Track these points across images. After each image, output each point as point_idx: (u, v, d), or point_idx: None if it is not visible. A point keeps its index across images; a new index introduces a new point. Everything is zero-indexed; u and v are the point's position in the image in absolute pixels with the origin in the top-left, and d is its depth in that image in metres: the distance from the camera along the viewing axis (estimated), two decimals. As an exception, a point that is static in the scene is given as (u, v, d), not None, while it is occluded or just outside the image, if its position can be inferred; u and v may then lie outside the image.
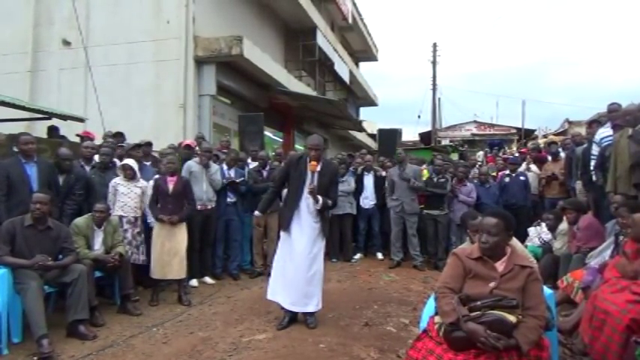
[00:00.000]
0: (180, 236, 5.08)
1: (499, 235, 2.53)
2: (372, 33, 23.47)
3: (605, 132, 5.23)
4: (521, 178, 7.52)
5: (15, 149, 4.70)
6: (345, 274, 6.53)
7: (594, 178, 5.22)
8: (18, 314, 3.76)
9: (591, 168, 5.31)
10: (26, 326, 3.75)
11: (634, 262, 3.23)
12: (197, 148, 6.62)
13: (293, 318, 4.24)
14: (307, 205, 4.15)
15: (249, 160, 6.96)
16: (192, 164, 5.83)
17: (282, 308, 4.27)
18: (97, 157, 5.53)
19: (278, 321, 4.24)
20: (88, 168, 5.44)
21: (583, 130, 8.32)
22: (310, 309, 4.19)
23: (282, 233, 4.31)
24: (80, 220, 4.61)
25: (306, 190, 4.12)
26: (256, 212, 4.64)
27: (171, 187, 5.10)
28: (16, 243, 3.89)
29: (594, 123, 6.38)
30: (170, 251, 4.98)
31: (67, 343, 3.85)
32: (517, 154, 10.87)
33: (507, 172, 7.77)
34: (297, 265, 4.14)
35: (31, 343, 3.66)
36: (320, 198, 4.09)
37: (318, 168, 4.14)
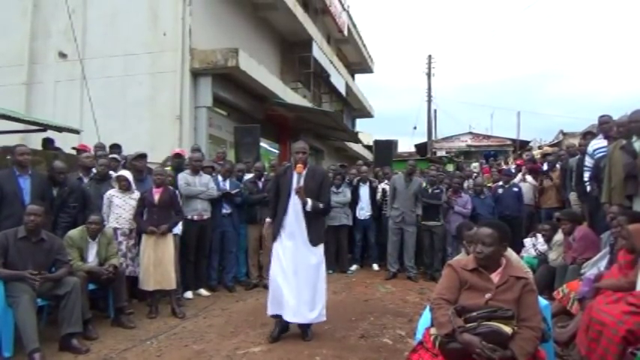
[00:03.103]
0: (167, 247, 5.06)
1: (493, 245, 2.53)
2: (367, 45, 23.65)
3: (597, 143, 5.26)
4: (515, 189, 7.55)
5: (8, 157, 4.69)
6: (341, 286, 6.52)
7: (588, 189, 5.24)
8: (10, 328, 3.71)
9: (585, 179, 5.33)
10: (18, 340, 3.70)
11: (628, 273, 3.24)
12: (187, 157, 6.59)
13: (284, 328, 4.19)
14: (296, 212, 4.12)
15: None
16: (185, 175, 5.83)
17: (274, 316, 4.21)
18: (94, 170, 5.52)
19: (269, 333, 4.18)
20: (86, 179, 5.42)
21: (577, 142, 8.38)
22: (312, 317, 4.12)
23: (274, 245, 4.25)
24: (74, 232, 4.59)
25: (293, 197, 4.10)
26: (267, 219, 4.45)
27: (156, 198, 5.09)
28: (9, 255, 3.86)
29: (588, 134, 6.44)
30: (156, 262, 4.96)
31: (59, 357, 3.81)
32: (514, 166, 10.92)
33: (501, 183, 7.79)
34: (293, 274, 4.09)
35: (22, 357, 3.62)
36: (309, 200, 4.07)
37: (304, 171, 4.16)
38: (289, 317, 4.12)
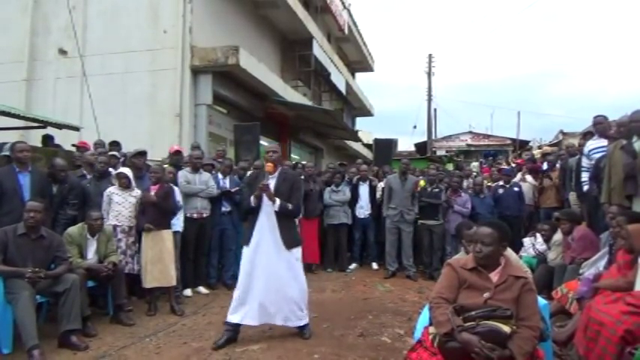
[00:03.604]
0: (165, 244, 5.05)
1: (493, 244, 2.54)
2: (367, 44, 23.63)
3: (593, 144, 5.29)
4: (515, 189, 7.51)
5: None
6: (340, 284, 6.52)
7: (584, 188, 5.26)
8: (9, 324, 3.72)
9: (581, 179, 5.35)
10: (17, 337, 3.70)
11: (627, 273, 3.24)
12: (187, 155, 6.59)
13: (232, 339, 4.02)
14: (268, 214, 4.02)
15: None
16: (185, 173, 5.83)
17: (225, 323, 4.09)
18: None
19: (217, 337, 4.05)
20: (89, 177, 5.43)
21: (577, 142, 8.39)
22: (287, 321, 4.06)
23: (244, 249, 4.14)
24: (73, 229, 4.59)
25: (265, 200, 3.99)
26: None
27: (152, 195, 5.10)
28: (9, 251, 3.86)
29: (588, 134, 6.46)
30: (154, 259, 4.96)
31: (58, 353, 3.81)
32: (513, 165, 10.92)
33: (501, 183, 7.76)
34: (264, 278, 3.97)
35: (21, 353, 3.62)
36: (277, 199, 3.98)
37: (276, 173, 4.08)
38: (254, 321, 3.99)
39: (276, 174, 4.11)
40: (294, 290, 4.09)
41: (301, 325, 4.15)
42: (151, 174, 5.26)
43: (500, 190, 7.55)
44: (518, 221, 7.20)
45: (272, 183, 4.06)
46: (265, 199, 4.01)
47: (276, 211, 4.01)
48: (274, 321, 4.09)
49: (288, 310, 4.07)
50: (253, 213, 4.10)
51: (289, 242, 4.07)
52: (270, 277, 4.01)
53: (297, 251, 4.18)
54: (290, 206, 4.07)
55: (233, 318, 4.03)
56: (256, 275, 4.02)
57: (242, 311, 4.02)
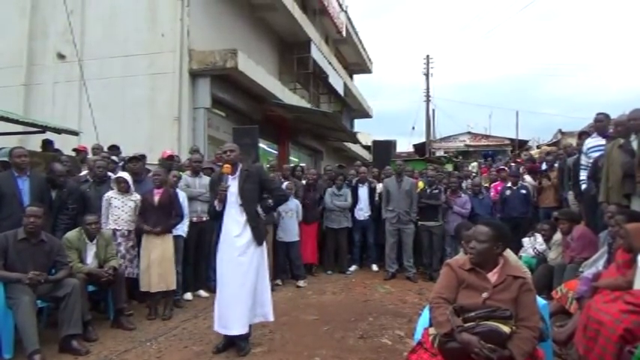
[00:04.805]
0: (164, 248, 5.03)
1: (487, 242, 2.53)
2: (366, 46, 23.66)
3: (592, 142, 5.30)
4: (522, 191, 7.39)
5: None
6: (340, 286, 6.53)
7: (583, 187, 5.27)
8: (10, 329, 3.72)
9: (581, 178, 5.36)
10: (18, 341, 3.71)
11: (626, 272, 3.25)
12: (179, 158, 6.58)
13: (231, 342, 3.94)
14: (234, 215, 3.93)
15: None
16: (185, 177, 5.83)
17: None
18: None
19: (214, 344, 4.01)
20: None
21: (575, 141, 8.41)
22: (257, 318, 3.97)
23: (217, 254, 4.06)
24: (72, 234, 4.59)
25: (231, 200, 3.92)
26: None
27: (156, 199, 5.09)
28: (9, 256, 3.87)
29: (583, 134, 6.48)
30: (154, 263, 4.94)
31: (59, 358, 3.81)
32: (513, 164, 10.92)
33: (509, 184, 7.66)
34: (235, 281, 3.86)
35: (23, 358, 3.62)
36: (260, 211, 3.96)
37: (237, 173, 3.96)
38: (227, 331, 3.87)
39: (237, 174, 3.97)
40: (262, 285, 4.01)
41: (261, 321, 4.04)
42: (154, 177, 5.25)
43: (508, 192, 7.45)
44: (524, 222, 7.14)
45: (234, 184, 3.94)
46: (229, 199, 3.91)
47: (247, 212, 3.90)
48: (252, 321, 3.97)
49: (260, 306, 3.98)
50: (220, 216, 4.01)
51: (259, 239, 3.98)
52: (241, 279, 3.87)
53: (264, 248, 4.10)
54: (270, 202, 4.09)
55: (217, 328, 3.95)
56: (227, 280, 3.91)
57: (221, 323, 3.91)
